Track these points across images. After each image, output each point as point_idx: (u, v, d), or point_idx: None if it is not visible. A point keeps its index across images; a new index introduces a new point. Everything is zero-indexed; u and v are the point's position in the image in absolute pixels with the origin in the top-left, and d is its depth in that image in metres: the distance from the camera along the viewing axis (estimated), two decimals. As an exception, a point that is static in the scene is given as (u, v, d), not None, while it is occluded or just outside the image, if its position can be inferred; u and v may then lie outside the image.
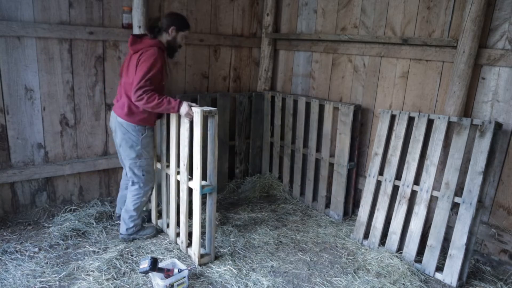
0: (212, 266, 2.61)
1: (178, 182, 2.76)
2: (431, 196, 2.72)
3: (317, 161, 3.61)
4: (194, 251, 2.62)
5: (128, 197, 2.81)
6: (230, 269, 2.57)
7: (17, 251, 2.62)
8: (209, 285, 2.42)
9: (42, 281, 2.34)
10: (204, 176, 2.59)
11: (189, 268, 2.44)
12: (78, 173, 3.26)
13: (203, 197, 2.58)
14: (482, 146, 2.53)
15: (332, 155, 3.48)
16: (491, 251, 2.79)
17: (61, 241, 2.78)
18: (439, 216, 2.65)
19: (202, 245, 2.73)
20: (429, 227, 2.72)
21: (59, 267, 2.49)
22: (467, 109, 2.76)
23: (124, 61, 2.85)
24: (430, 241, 2.67)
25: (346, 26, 3.50)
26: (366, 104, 3.42)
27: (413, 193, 2.83)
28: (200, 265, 2.60)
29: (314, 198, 3.69)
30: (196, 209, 2.56)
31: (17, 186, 3.02)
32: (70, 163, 3.18)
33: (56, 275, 2.40)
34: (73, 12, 2.99)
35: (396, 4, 3.12)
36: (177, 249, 2.79)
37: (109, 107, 3.31)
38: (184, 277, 2.32)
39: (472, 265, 2.75)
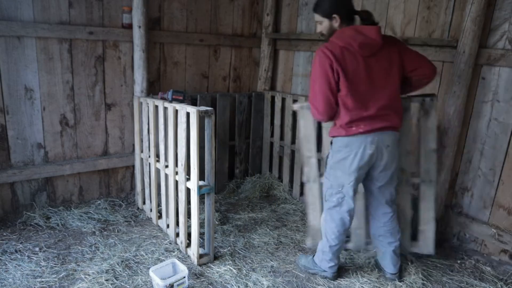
0: (212, 266, 2.61)
1: (176, 182, 2.76)
2: None
3: (317, 161, 3.60)
4: (193, 251, 2.62)
5: (396, 228, 2.46)
6: (230, 269, 2.57)
7: (17, 251, 2.62)
8: (209, 285, 2.42)
9: (42, 281, 2.34)
10: (202, 176, 2.58)
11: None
12: (78, 173, 3.26)
13: (202, 197, 2.57)
14: (429, 125, 2.54)
15: (332, 155, 3.46)
16: (491, 251, 2.78)
17: (61, 241, 2.78)
18: (403, 200, 2.66)
19: (201, 245, 2.73)
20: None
21: (58, 267, 2.49)
22: (467, 109, 2.75)
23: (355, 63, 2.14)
24: (401, 225, 2.66)
25: (346, 26, 3.50)
26: (366, 104, 3.41)
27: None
28: (199, 265, 2.60)
29: (314, 198, 3.68)
30: (194, 209, 2.56)
31: (17, 186, 3.02)
32: (70, 163, 3.18)
33: (55, 275, 2.40)
34: (73, 12, 2.99)
35: (396, 4, 3.12)
36: (177, 249, 2.78)
37: (109, 107, 3.31)
38: (184, 277, 2.32)
39: (472, 265, 2.75)
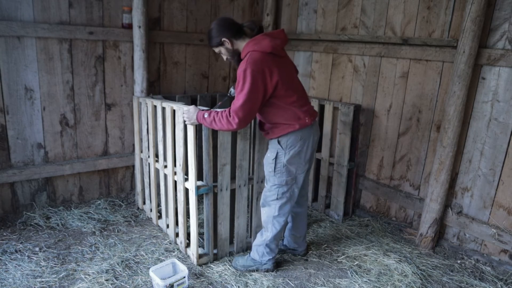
0: (212, 266, 2.61)
1: (175, 183, 2.76)
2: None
3: (317, 161, 3.61)
4: (192, 251, 2.62)
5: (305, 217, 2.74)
6: (230, 269, 2.57)
7: (17, 251, 2.62)
8: (209, 285, 2.42)
9: (42, 281, 2.34)
10: (200, 176, 2.58)
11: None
12: (78, 173, 3.26)
13: (201, 197, 2.56)
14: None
15: (332, 155, 3.47)
16: (491, 251, 2.78)
17: (61, 241, 2.79)
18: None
19: (201, 245, 2.73)
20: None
21: (58, 267, 2.49)
22: (467, 109, 2.75)
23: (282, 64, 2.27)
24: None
25: (346, 26, 3.50)
26: (366, 104, 3.42)
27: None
28: (199, 265, 2.60)
29: (314, 198, 3.68)
30: (193, 209, 2.55)
31: (17, 186, 3.03)
32: (70, 163, 3.18)
33: (55, 275, 2.40)
34: (73, 12, 2.99)
35: (396, 4, 3.12)
36: (177, 249, 2.78)
37: (109, 107, 3.31)
38: (184, 277, 2.32)
39: (472, 265, 2.75)
